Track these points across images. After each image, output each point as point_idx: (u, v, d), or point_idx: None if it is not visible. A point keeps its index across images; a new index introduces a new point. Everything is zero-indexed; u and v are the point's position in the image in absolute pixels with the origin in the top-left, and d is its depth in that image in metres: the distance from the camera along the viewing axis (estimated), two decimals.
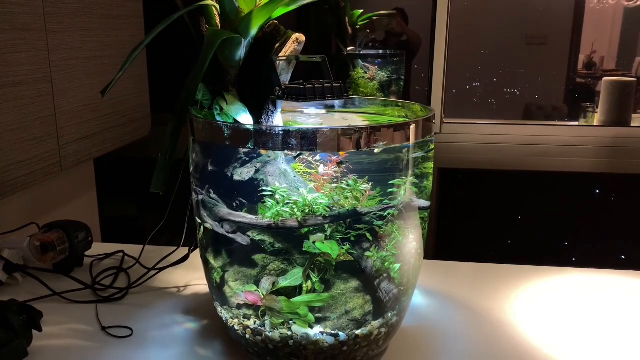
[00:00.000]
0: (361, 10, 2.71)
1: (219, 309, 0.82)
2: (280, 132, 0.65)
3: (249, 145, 0.68)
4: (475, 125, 2.11)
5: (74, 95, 1.24)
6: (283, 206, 0.71)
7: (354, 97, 0.85)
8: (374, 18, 2.78)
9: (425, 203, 0.80)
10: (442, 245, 2.19)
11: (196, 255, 1.08)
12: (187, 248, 1.04)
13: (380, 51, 2.74)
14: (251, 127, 0.67)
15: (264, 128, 0.66)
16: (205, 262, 0.83)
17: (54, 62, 1.16)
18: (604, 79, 2.42)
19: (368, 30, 2.81)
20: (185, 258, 1.04)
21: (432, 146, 0.81)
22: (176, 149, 0.79)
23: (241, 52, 0.79)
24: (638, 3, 6.37)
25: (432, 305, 0.97)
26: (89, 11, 1.29)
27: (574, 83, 4.63)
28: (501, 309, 0.96)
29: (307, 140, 0.65)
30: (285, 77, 0.78)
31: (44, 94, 1.14)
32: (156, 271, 1.04)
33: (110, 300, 0.98)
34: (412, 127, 0.71)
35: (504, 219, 2.17)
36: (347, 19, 2.70)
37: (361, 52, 2.65)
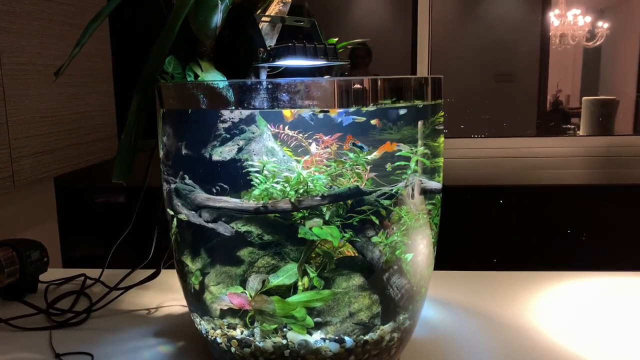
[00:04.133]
0: (336, 39, 2.66)
1: (198, 320, 0.69)
2: (269, 86, 0.54)
3: (231, 106, 0.56)
4: (464, 140, 2.03)
5: (30, 104, 1.12)
6: (273, 182, 0.59)
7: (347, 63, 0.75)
8: (349, 46, 2.74)
9: (436, 185, 0.69)
10: (435, 262, 2.07)
11: (168, 275, 0.95)
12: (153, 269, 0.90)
13: None
14: (231, 82, 0.56)
15: (248, 82, 0.55)
16: (181, 266, 0.69)
17: (5, 65, 1.04)
18: (584, 98, 2.39)
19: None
20: (155, 274, 0.90)
21: (442, 140, 0.70)
22: (142, 128, 0.68)
23: (217, 18, 0.68)
24: (597, 43, 6.58)
25: (445, 315, 0.85)
26: (47, 16, 1.18)
27: (544, 118, 4.68)
28: (520, 315, 0.84)
29: (301, 95, 0.54)
30: (269, 43, 0.68)
31: None
32: (121, 291, 0.90)
33: (68, 325, 0.83)
34: (421, 84, 0.61)
35: (496, 234, 2.07)
36: None
37: None
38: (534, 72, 5.24)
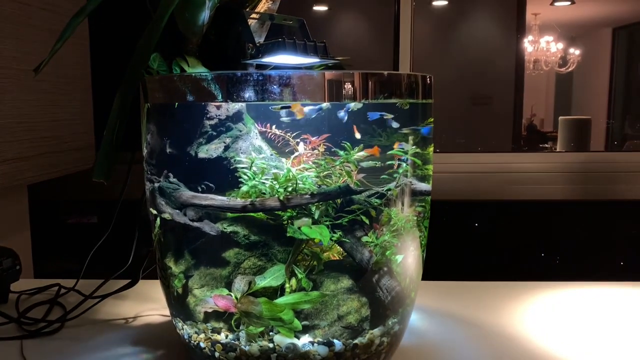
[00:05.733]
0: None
1: (180, 325, 0.66)
2: (259, 78, 0.53)
3: (218, 99, 0.55)
4: (442, 155, 2.04)
5: (5, 109, 1.09)
6: (262, 178, 0.58)
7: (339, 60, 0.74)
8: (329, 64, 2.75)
9: (426, 187, 0.68)
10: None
11: (146, 284, 0.92)
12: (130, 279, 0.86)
13: None
14: (219, 74, 0.55)
15: (238, 73, 0.54)
16: (163, 269, 0.67)
17: None
18: (560, 118, 2.43)
19: None
20: (132, 283, 0.87)
21: (431, 148, 0.70)
22: (125, 127, 0.66)
23: (205, 15, 0.67)
24: (569, 69, 6.74)
25: (433, 324, 0.84)
26: (25, 20, 1.16)
27: (518, 142, 4.76)
28: (505, 323, 0.83)
29: (291, 88, 0.53)
30: (257, 40, 0.67)
31: None
32: (97, 299, 0.86)
33: (40, 334, 0.80)
34: (411, 81, 0.60)
35: (474, 248, 2.07)
36: None
37: None
38: (509, 96, 5.33)
